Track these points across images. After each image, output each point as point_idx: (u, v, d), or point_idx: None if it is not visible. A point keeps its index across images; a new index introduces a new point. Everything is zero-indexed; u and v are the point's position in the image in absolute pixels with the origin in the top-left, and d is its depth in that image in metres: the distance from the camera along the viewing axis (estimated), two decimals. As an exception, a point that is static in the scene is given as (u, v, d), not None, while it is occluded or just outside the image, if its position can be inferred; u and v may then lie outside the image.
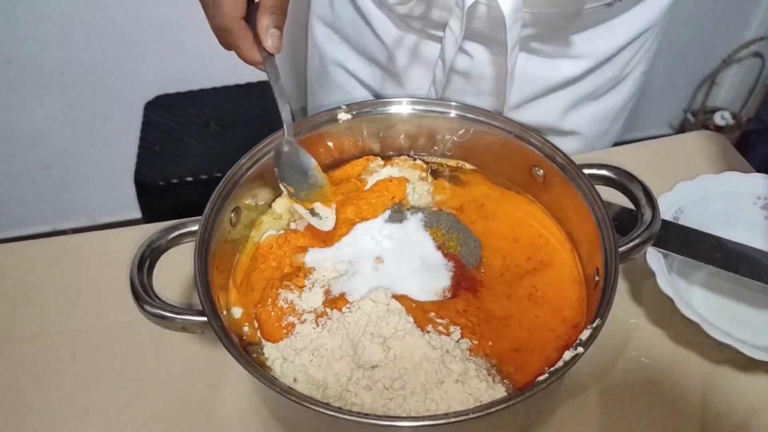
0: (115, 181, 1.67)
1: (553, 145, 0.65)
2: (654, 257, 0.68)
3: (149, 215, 1.55)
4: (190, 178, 1.46)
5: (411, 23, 0.76)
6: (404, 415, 0.51)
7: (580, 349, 0.50)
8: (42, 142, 1.62)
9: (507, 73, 0.71)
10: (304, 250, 0.64)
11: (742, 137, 1.96)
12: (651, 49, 0.86)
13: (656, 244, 0.68)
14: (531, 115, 0.81)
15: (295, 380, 0.55)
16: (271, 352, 0.57)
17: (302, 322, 0.58)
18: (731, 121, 1.96)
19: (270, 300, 0.60)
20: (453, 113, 0.68)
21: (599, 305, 0.52)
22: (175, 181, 1.46)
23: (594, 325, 0.51)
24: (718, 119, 1.96)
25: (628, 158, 0.87)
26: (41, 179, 1.69)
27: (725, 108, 2.01)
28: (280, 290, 0.60)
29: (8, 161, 1.63)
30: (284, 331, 0.58)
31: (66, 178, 1.71)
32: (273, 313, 0.59)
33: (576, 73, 0.78)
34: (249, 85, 1.64)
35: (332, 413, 0.47)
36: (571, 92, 0.81)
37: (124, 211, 1.71)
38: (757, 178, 0.77)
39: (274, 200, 0.70)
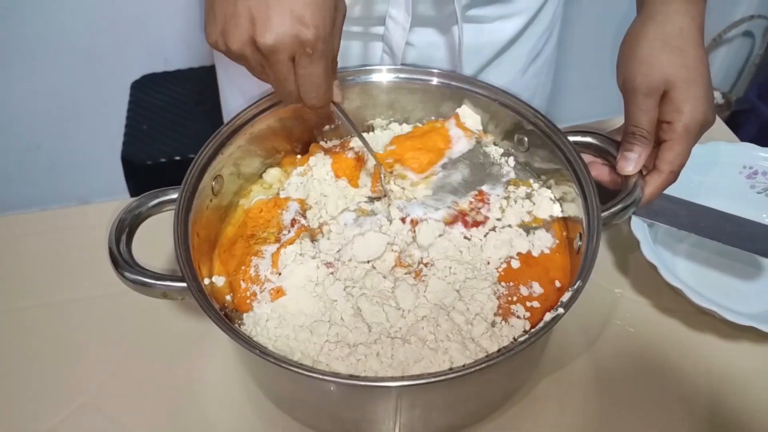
0: (105, 162, 1.65)
1: (537, 111, 0.64)
2: (638, 226, 0.69)
3: (138, 195, 1.54)
4: (178, 158, 1.44)
5: (351, 28, 0.73)
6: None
7: (561, 310, 0.50)
8: (30, 122, 1.60)
9: (458, 43, 0.71)
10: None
11: (731, 117, 1.95)
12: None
13: (640, 213, 0.68)
14: None
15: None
16: (247, 321, 0.57)
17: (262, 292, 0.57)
18: (721, 101, 1.96)
19: (243, 268, 0.59)
20: (435, 81, 0.68)
21: (581, 268, 0.52)
22: (163, 160, 1.45)
23: (575, 287, 0.51)
24: (709, 99, 1.95)
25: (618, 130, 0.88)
26: (30, 160, 1.68)
27: (715, 88, 2.00)
28: (252, 257, 0.59)
29: (-4, 142, 1.62)
30: (248, 300, 0.57)
31: (55, 158, 1.69)
32: (243, 284, 0.58)
33: (516, 30, 0.78)
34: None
35: (315, 375, 0.47)
36: (516, 55, 0.81)
37: (115, 193, 1.70)
38: (742, 147, 0.78)
39: (264, 171, 0.69)
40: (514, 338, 0.53)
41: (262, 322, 0.55)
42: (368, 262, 0.58)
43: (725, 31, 1.90)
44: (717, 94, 1.96)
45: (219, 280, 0.61)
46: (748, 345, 0.67)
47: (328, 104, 0.56)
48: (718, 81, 2.05)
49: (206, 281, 0.59)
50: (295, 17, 0.47)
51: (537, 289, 0.58)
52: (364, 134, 0.72)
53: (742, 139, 0.82)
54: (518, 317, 0.56)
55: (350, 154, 0.67)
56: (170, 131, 1.49)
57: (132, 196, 1.57)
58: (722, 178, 0.77)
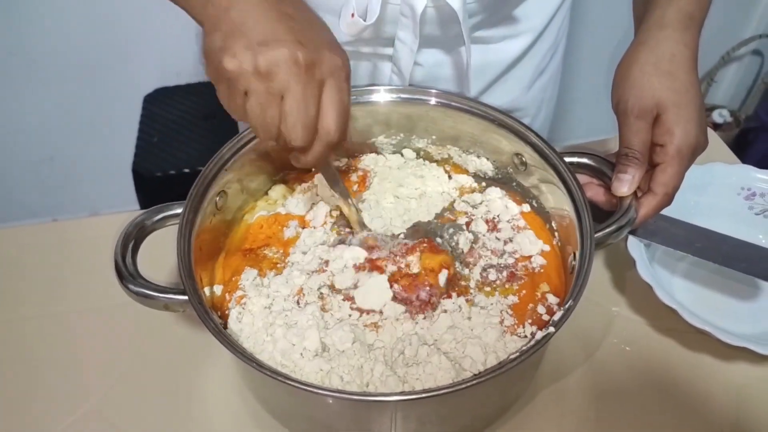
0: (116, 173, 1.68)
1: (534, 132, 0.65)
2: (635, 246, 0.69)
3: (147, 206, 1.56)
4: (187, 170, 1.47)
5: (361, 49, 0.75)
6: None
7: (551, 329, 0.50)
8: (44, 134, 1.64)
9: (465, 64, 0.72)
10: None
11: (740, 135, 1.95)
12: (568, 14, 0.88)
13: (637, 233, 0.69)
14: (491, 101, 0.82)
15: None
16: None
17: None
18: (729, 119, 1.96)
19: (234, 278, 0.61)
20: (433, 101, 0.69)
21: (573, 287, 0.53)
22: (172, 172, 1.48)
23: (566, 306, 0.52)
24: (717, 117, 1.96)
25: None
26: (43, 171, 1.71)
27: (724, 106, 2.01)
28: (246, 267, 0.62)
29: (10, 153, 1.65)
30: (226, 311, 0.59)
31: (67, 170, 1.72)
32: (228, 296, 0.60)
33: (522, 48, 0.79)
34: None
35: (309, 389, 0.48)
36: (522, 72, 0.83)
37: (125, 204, 1.72)
38: (740, 168, 0.78)
39: (270, 187, 0.71)
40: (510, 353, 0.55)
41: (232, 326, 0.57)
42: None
43: (734, 49, 1.90)
44: (725, 113, 1.97)
45: (218, 289, 0.62)
46: (745, 365, 0.67)
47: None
48: (727, 99, 2.06)
49: (207, 290, 0.60)
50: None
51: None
52: (368, 155, 0.73)
53: (751, 158, 0.83)
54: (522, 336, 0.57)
55: (354, 177, 0.68)
56: (180, 144, 1.52)
57: (142, 207, 1.59)
58: (720, 199, 0.77)
